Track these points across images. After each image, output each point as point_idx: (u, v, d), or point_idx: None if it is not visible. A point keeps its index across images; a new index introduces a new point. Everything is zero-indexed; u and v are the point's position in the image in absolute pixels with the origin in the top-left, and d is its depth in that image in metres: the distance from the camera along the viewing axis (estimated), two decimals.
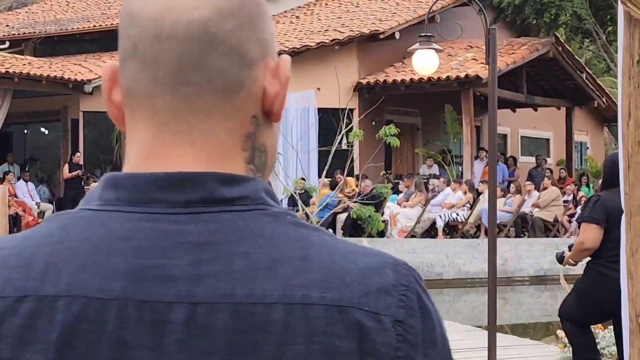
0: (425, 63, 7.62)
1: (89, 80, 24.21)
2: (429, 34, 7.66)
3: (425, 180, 23.43)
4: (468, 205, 21.73)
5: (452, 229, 21.73)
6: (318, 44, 24.43)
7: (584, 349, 7.41)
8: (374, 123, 22.53)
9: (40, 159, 27.66)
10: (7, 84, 22.76)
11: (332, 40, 24.50)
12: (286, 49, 24.42)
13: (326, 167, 22.42)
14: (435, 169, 24.73)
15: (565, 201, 22.67)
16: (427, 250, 21.06)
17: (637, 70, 5.86)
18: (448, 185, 22.21)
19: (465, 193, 21.78)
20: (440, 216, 21.48)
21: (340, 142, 22.06)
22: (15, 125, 27.77)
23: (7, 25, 31.49)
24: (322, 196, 21.70)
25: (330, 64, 24.48)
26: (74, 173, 23.94)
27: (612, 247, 6.46)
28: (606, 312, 7.01)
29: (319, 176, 23.49)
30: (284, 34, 26.37)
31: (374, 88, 24.29)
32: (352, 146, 21.84)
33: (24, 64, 24.09)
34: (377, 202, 21.44)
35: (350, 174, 22.79)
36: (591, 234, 6.94)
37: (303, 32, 26.04)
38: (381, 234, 21.54)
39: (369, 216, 20.69)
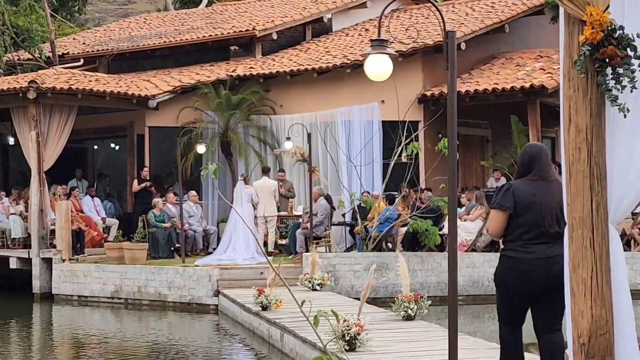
0: (378, 68, 7.29)
1: (153, 96, 24.38)
2: (383, 38, 7.33)
3: (491, 193, 22.92)
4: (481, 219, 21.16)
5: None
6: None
7: (507, 345, 7.55)
8: (440, 135, 22.11)
9: (109, 174, 27.93)
10: (71, 100, 23.02)
11: (396, 52, 24.14)
12: (348, 62, 24.23)
13: (385, 180, 22.24)
14: (502, 182, 24.15)
15: (634, 213, 21.90)
16: (488, 265, 20.56)
17: (577, 72, 5.50)
18: None
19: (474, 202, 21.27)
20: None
21: (400, 155, 21.82)
22: (87, 141, 28.16)
23: (84, 43, 31.96)
24: (381, 210, 21.42)
25: (394, 76, 24.16)
26: (143, 185, 24.08)
27: (523, 231, 7.15)
28: (522, 294, 7.25)
29: (385, 189, 23.24)
30: (350, 47, 26.17)
31: (439, 100, 23.88)
32: (412, 159, 21.57)
33: (90, 81, 24.36)
34: (437, 216, 21.06)
35: (413, 186, 22.48)
36: (495, 220, 7.23)
37: (369, 44, 25.75)
38: (441, 247, 21.14)
39: (426, 230, 20.36)
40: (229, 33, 27.75)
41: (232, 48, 28.53)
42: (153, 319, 20.02)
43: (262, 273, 19.37)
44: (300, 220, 22.26)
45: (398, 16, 29.89)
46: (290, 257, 21.69)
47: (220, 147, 24.80)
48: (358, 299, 18.28)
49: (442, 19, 6.87)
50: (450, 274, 7.11)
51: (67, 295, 22.05)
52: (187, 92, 24.98)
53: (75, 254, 22.47)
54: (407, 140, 21.32)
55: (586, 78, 5.45)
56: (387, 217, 21.15)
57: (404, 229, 21.11)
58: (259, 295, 15.68)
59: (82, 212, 24.02)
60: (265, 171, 23.17)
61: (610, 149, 5.52)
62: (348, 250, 22.20)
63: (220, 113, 24.56)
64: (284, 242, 22.70)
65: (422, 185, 23.66)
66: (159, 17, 35.93)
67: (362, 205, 22.00)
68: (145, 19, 36.05)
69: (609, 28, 5.37)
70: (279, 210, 23.15)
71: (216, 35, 27.94)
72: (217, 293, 19.61)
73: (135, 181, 24.36)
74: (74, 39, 34.17)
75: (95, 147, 29.06)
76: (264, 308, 15.58)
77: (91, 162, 29.10)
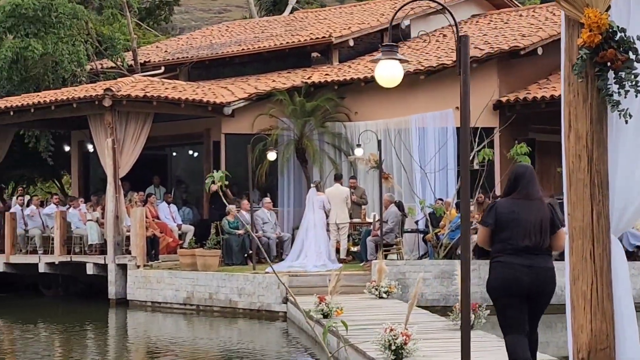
0: (388, 74, 7.15)
1: (228, 103, 24.51)
2: (392, 44, 7.19)
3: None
4: None
5: None
6: (454, 62, 23.85)
7: (512, 353, 8.00)
8: (516, 142, 21.74)
9: (187, 181, 28.17)
10: (147, 107, 23.27)
11: (470, 58, 23.87)
12: (422, 68, 24.04)
13: (456, 187, 21.98)
14: None
15: None
16: (559, 273, 19.92)
17: (575, 75, 5.31)
18: None
19: None
20: None
21: (471, 162, 21.53)
22: (166, 148, 28.45)
23: (165, 51, 32.32)
24: (452, 217, 21.18)
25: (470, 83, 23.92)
26: (215, 187, 24.07)
27: (506, 244, 7.89)
28: (511, 296, 7.87)
29: (457, 196, 22.98)
30: (426, 53, 25.97)
31: (514, 106, 23.54)
32: (484, 165, 21.29)
33: (167, 88, 24.60)
34: None
35: (487, 193, 22.20)
36: (480, 235, 8.06)
37: (445, 50, 25.57)
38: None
39: None
40: (305, 40, 27.77)
41: (313, 55, 28.52)
42: (223, 325, 20.11)
43: (329, 280, 19.29)
44: (371, 227, 22.13)
45: (477, 22, 29.59)
46: (361, 264, 21.57)
47: (295, 154, 24.80)
48: (426, 307, 18.18)
49: (455, 22, 6.71)
50: (463, 283, 6.94)
51: (141, 301, 22.27)
52: (262, 99, 25.06)
53: (149, 260, 22.68)
54: (479, 147, 21.03)
55: (586, 83, 5.27)
56: (459, 224, 20.83)
57: (475, 237, 20.77)
58: (320, 303, 15.62)
59: (158, 218, 24.24)
60: (337, 178, 23.10)
61: (612, 156, 5.32)
62: (421, 258, 22.00)
63: (295, 120, 24.57)
64: (355, 249, 22.59)
65: (498, 192, 23.34)
66: (241, 24, 36.16)
67: (433, 212, 21.79)
68: (227, 26, 36.33)
69: (609, 30, 5.17)
70: (351, 218, 23.05)
71: (293, 42, 28.00)
72: (285, 300, 19.59)
73: (213, 185, 24.38)
74: (157, 47, 34.59)
75: (174, 154, 29.32)
76: (325, 315, 15.50)
77: (170, 169, 29.39)
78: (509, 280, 7.88)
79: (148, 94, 22.97)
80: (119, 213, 22.75)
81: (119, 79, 25.84)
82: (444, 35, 28.25)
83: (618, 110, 5.17)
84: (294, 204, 24.96)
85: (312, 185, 22.94)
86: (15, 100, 24.90)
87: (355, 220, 23.42)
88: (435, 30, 29.33)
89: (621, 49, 5.17)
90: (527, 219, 7.86)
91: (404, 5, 8.02)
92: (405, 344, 11.00)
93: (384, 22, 28.42)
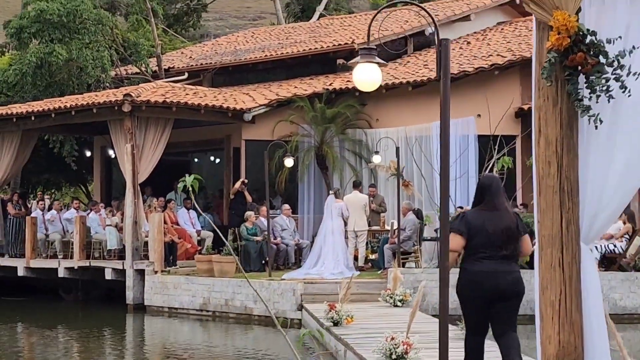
0: (366, 78, 7.03)
1: (249, 109, 24.46)
2: (371, 47, 7.07)
3: None
4: (627, 236, 20.42)
5: (610, 261, 20.45)
6: (477, 69, 23.73)
7: (469, 352, 8.64)
8: None
9: (208, 187, 28.15)
10: (167, 113, 23.25)
11: (492, 66, 23.73)
12: None
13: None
14: None
15: None
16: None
17: (543, 79, 5.17)
18: None
19: (624, 223, 20.48)
20: (596, 247, 20.27)
21: (491, 170, 21.32)
22: (190, 153, 28.45)
23: (190, 57, 32.35)
24: None
25: (491, 90, 23.75)
26: (239, 182, 24.00)
27: (474, 251, 8.51)
28: (477, 300, 8.44)
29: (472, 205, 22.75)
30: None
31: None
32: (503, 174, 21.05)
33: (187, 94, 24.58)
34: (528, 232, 20.51)
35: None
36: (453, 240, 8.28)
37: (468, 57, 25.38)
38: (531, 264, 20.54)
39: None
40: (328, 47, 27.68)
41: (339, 62, 28.40)
42: (239, 332, 20.02)
43: (351, 288, 19.21)
44: (389, 234, 21.97)
45: (502, 29, 29.38)
46: (379, 272, 21.42)
47: (315, 161, 24.71)
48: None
49: (435, 26, 6.57)
50: (442, 291, 6.79)
51: (158, 306, 22.24)
52: (283, 105, 24.99)
53: (167, 265, 22.64)
54: (499, 155, 20.82)
55: (556, 87, 5.13)
56: None
57: None
58: (330, 311, 15.48)
59: (177, 224, 24.22)
60: (356, 185, 22.95)
61: (583, 162, 5.16)
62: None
63: (315, 126, 24.48)
64: (374, 257, 22.43)
65: (519, 200, 23.14)
66: (266, 31, 36.13)
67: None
68: (253, 33, 36.32)
69: (578, 33, 5.03)
70: (370, 225, 22.90)
71: (316, 48, 27.91)
72: (300, 307, 19.47)
73: (238, 183, 24.26)
74: (182, 53, 34.64)
75: (196, 159, 29.32)
76: (335, 323, 15.37)
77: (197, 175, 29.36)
78: (473, 285, 8.47)
79: (168, 100, 22.95)
80: (138, 218, 22.73)
81: (141, 85, 25.84)
82: (468, 43, 28.07)
83: (588, 116, 5.02)
84: (314, 211, 24.84)
85: (330, 192, 22.81)
86: (37, 105, 24.99)
87: (374, 227, 23.26)
88: (459, 37, 29.14)
89: (591, 52, 5.02)
90: (493, 228, 8.44)
91: (383, 8, 7.83)
92: (407, 353, 10.86)
93: (407, 29, 28.28)
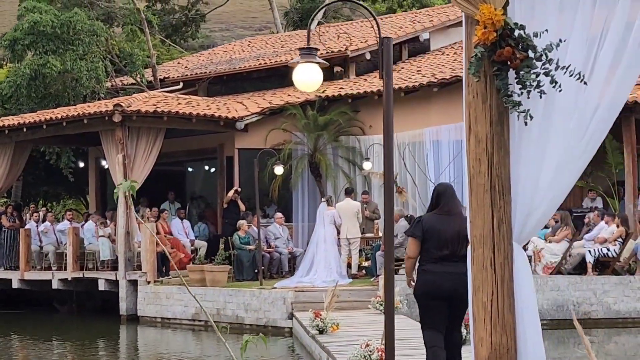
0: (306, 78, 6.91)
1: (241, 118, 24.36)
2: (312, 47, 6.94)
3: (580, 214, 22.13)
4: (620, 240, 20.24)
5: (603, 265, 20.28)
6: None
7: (430, 345, 8.99)
8: None
9: (203, 196, 28.07)
10: (158, 122, 23.16)
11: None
12: (435, 80, 23.76)
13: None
14: (598, 202, 23.25)
15: None
16: (573, 288, 19.75)
17: (471, 75, 5.05)
18: (602, 218, 20.77)
19: (618, 227, 20.30)
20: (589, 251, 20.11)
21: None
22: (185, 163, 28.38)
23: (186, 67, 32.30)
24: None
25: None
26: (232, 191, 23.86)
27: (431, 254, 8.88)
28: (433, 299, 8.85)
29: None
30: (442, 66, 25.69)
31: None
32: None
33: (179, 103, 24.51)
34: None
35: None
36: (411, 245, 8.97)
37: (462, 63, 25.19)
38: None
39: None
40: (322, 54, 27.51)
41: (336, 70, 28.30)
42: (231, 342, 19.87)
43: (338, 296, 19.09)
44: (381, 241, 21.81)
45: None
46: (372, 279, 21.27)
47: (309, 168, 24.60)
48: None
49: (377, 25, 6.45)
50: (387, 294, 6.64)
51: (151, 317, 22.14)
52: (276, 113, 24.89)
53: (160, 276, 22.53)
54: None
55: (484, 83, 5.01)
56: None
57: None
58: (315, 319, 15.36)
59: (171, 234, 24.12)
60: (348, 193, 22.81)
61: (515, 160, 5.04)
62: None
63: (308, 134, 24.37)
64: (367, 264, 22.29)
65: None
66: (263, 39, 36.08)
67: None
68: (249, 42, 36.27)
69: (506, 28, 4.90)
70: (364, 232, 22.75)
71: None
72: (291, 316, 19.34)
73: (231, 192, 24.12)
74: (178, 63, 34.61)
75: (190, 169, 29.24)
76: (321, 331, 15.24)
77: (190, 185, 29.34)
78: (431, 286, 8.86)
79: (159, 109, 22.86)
80: (130, 229, 22.63)
81: (134, 95, 25.79)
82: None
83: (518, 112, 4.90)
84: (308, 219, 24.70)
85: (322, 200, 22.69)
86: (28, 117, 24.95)
87: (368, 235, 23.13)
88: (455, 43, 29.03)
89: (519, 46, 4.90)
90: (447, 231, 8.85)
91: (325, 5, 7.71)
92: (381, 359, 10.71)
93: (401, 35, 28.18)
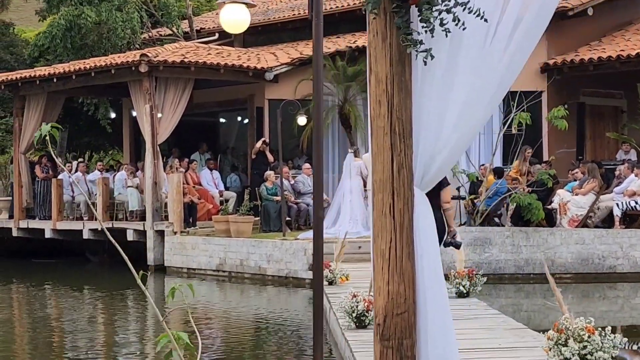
0: (233, 18, 6.69)
1: (270, 68, 24.16)
2: None
3: (612, 166, 21.69)
4: None
5: (632, 219, 19.85)
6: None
7: None
8: (566, 106, 20.87)
9: (235, 147, 27.99)
10: (186, 73, 23.06)
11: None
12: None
13: (494, 152, 21.31)
14: (632, 155, 22.75)
15: None
16: (598, 242, 19.38)
17: (370, 12, 4.84)
18: (632, 171, 20.30)
19: None
20: (617, 204, 19.69)
21: (510, 127, 20.81)
22: (219, 114, 28.31)
23: None
24: (490, 183, 20.56)
25: None
26: (261, 142, 23.70)
27: None
28: None
29: (504, 162, 22.29)
30: None
31: (562, 69, 22.68)
32: (521, 130, 20.55)
33: (209, 54, 24.38)
34: (547, 190, 20.07)
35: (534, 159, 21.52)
36: None
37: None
38: (550, 222, 20.11)
39: (529, 204, 19.37)
40: (355, 4, 27.20)
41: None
42: (253, 292, 19.92)
43: (359, 247, 19.02)
44: None
45: None
46: None
47: (339, 120, 24.37)
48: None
49: None
50: (315, 259, 6.45)
51: (177, 267, 22.20)
52: (306, 64, 24.60)
53: (187, 226, 22.53)
54: (516, 111, 20.29)
55: (384, 21, 4.79)
56: (496, 190, 20.25)
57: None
58: (324, 270, 15.21)
59: (200, 185, 24.10)
60: None
61: (418, 102, 4.82)
62: (463, 225, 21.39)
63: (337, 85, 24.10)
64: None
65: (545, 157, 22.64)
66: None
67: (479, 178, 21.21)
68: None
69: None
70: None
71: (343, 6, 27.46)
72: (311, 267, 19.23)
73: (260, 142, 23.97)
74: (217, 14, 34.38)
75: (222, 120, 29.15)
76: (330, 282, 15.13)
77: (223, 136, 29.31)
78: None
79: (186, 60, 22.72)
80: (158, 179, 22.63)
81: (165, 45, 25.70)
82: None
83: (417, 51, 4.67)
84: (338, 170, 24.49)
85: (350, 151, 22.48)
86: (60, 67, 24.99)
87: None
88: None
89: None
90: None
91: None
92: (368, 310, 10.57)
93: None
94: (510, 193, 19.96)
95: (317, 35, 5.98)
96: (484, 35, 4.77)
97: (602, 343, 7.88)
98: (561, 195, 19.92)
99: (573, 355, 7.79)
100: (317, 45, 6.01)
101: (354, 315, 10.65)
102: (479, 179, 21.25)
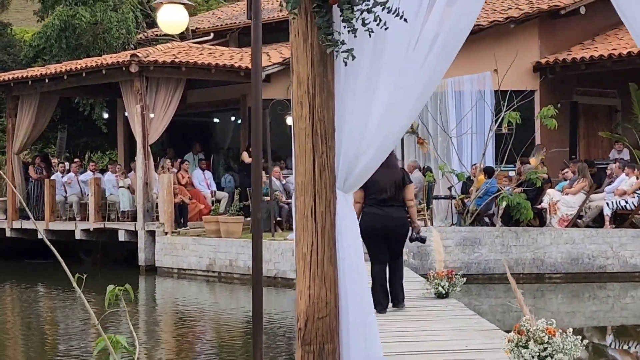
0: (171, 19, 6.62)
1: (262, 68, 24.01)
2: None
3: (604, 165, 21.60)
4: (639, 192, 19.70)
5: (622, 218, 19.75)
6: (491, 22, 23.02)
7: (374, 278, 10.87)
8: (559, 105, 20.79)
9: (230, 147, 27.94)
10: (177, 73, 23.00)
11: (507, 19, 23.00)
12: None
13: (484, 152, 21.21)
14: (625, 154, 22.65)
15: None
16: (588, 241, 19.29)
17: (290, 12, 4.78)
18: (623, 170, 20.21)
19: (638, 178, 19.75)
20: (608, 204, 19.60)
21: (500, 126, 20.71)
22: (212, 114, 28.26)
23: (219, 18, 32.09)
24: (480, 183, 20.47)
25: (508, 44, 23.05)
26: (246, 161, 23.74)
27: (371, 199, 10.70)
28: (374, 235, 10.70)
29: (496, 161, 22.19)
30: None
31: (554, 68, 22.59)
32: (512, 130, 20.45)
33: (201, 54, 24.32)
34: (537, 189, 19.98)
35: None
36: (357, 192, 9.26)
37: (487, 11, 24.61)
38: (541, 222, 20.02)
39: (518, 203, 19.28)
40: None
41: None
42: (242, 293, 19.85)
43: None
44: None
45: None
46: None
47: None
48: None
49: None
50: (255, 262, 6.37)
51: (168, 267, 22.15)
52: None
53: (178, 227, 22.49)
54: (506, 110, 20.19)
55: (305, 21, 4.72)
56: (486, 190, 20.18)
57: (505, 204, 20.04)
58: None
59: (192, 185, 24.05)
60: None
61: (341, 103, 4.75)
62: (454, 225, 21.32)
63: None
64: None
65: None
66: None
67: (471, 178, 21.13)
68: None
69: None
70: None
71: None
72: None
73: (245, 153, 24.02)
74: (212, 14, 34.39)
75: (216, 120, 29.10)
76: None
77: (217, 136, 29.26)
78: (371, 225, 10.55)
79: (176, 60, 22.66)
80: (149, 180, 22.59)
81: (157, 46, 25.65)
82: None
83: (337, 51, 4.61)
84: None
85: None
86: (51, 68, 24.96)
87: None
88: None
89: None
90: (385, 180, 10.64)
91: None
92: None
93: None
94: (500, 193, 19.87)
95: (256, 36, 5.91)
96: (407, 40, 4.70)
97: (562, 344, 7.80)
98: (551, 195, 19.84)
99: (533, 357, 7.70)
100: (255, 47, 5.95)
101: None
102: (471, 178, 21.17)
